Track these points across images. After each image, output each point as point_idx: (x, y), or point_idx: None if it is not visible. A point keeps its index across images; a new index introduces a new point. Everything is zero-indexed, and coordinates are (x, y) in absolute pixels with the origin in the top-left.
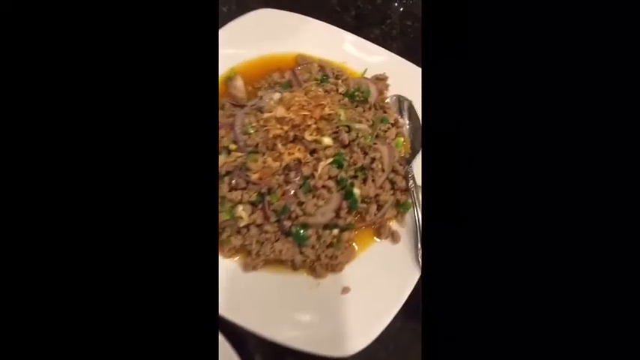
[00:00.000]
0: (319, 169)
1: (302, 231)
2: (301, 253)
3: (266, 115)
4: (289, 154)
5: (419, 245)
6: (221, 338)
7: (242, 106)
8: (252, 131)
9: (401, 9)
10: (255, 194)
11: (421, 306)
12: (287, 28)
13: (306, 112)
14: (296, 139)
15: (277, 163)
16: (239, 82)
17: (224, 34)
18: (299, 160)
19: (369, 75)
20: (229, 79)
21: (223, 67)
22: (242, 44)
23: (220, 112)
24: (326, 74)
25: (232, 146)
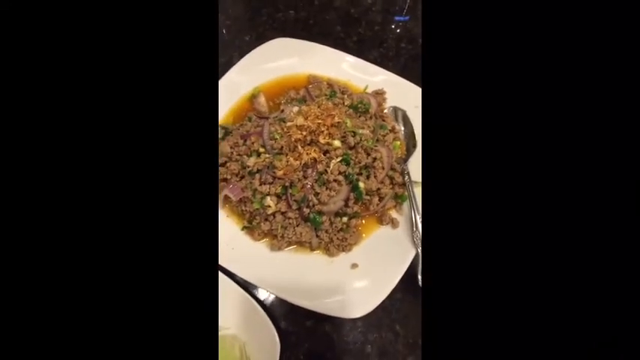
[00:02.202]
0: (331, 166)
1: (318, 217)
2: (317, 236)
3: (289, 123)
4: (307, 154)
5: (414, 229)
6: (255, 303)
7: (266, 118)
8: (277, 137)
9: (397, 30)
10: (280, 187)
11: (420, 275)
12: (300, 53)
13: (319, 121)
14: (312, 143)
15: (298, 162)
16: (262, 99)
17: (248, 59)
18: (315, 159)
19: (369, 90)
20: (254, 96)
21: (248, 87)
22: (263, 67)
23: (249, 124)
24: (334, 90)
25: (261, 149)
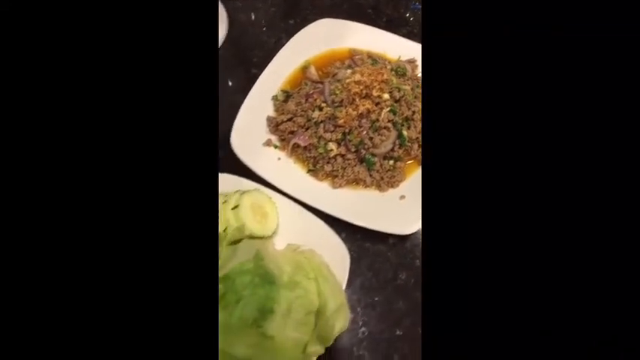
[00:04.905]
0: (382, 115)
1: (371, 158)
2: (370, 175)
3: (348, 80)
4: (362, 105)
5: None
6: (321, 222)
7: (321, 82)
8: (337, 92)
9: (419, 13)
10: (340, 134)
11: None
12: (340, 31)
13: (372, 77)
14: (366, 96)
15: (355, 112)
16: (312, 69)
17: (297, 37)
18: (368, 110)
19: (402, 59)
20: (305, 67)
21: (299, 60)
22: (310, 44)
23: (306, 87)
24: (374, 59)
25: (323, 104)
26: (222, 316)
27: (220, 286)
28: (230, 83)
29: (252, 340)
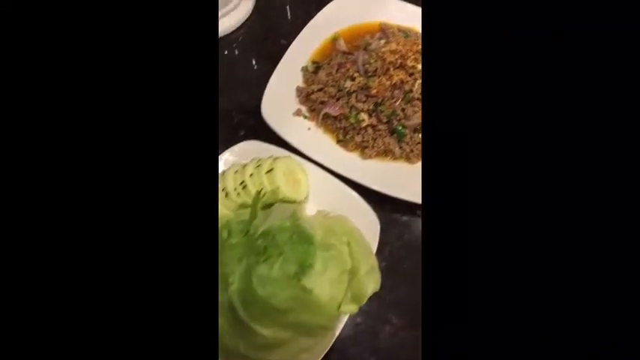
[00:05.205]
0: (415, 86)
1: (403, 129)
2: (400, 147)
3: (383, 49)
4: (396, 75)
5: None
6: (351, 190)
7: (351, 53)
8: (372, 61)
9: None
10: (372, 104)
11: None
12: (371, 4)
13: (407, 47)
14: (401, 66)
15: (388, 82)
16: (342, 41)
17: (327, 10)
18: (402, 80)
19: None
20: (335, 39)
21: (329, 33)
22: (340, 17)
23: (337, 58)
24: (406, 32)
25: (355, 74)
26: (263, 268)
27: (260, 240)
28: (258, 55)
29: (293, 292)
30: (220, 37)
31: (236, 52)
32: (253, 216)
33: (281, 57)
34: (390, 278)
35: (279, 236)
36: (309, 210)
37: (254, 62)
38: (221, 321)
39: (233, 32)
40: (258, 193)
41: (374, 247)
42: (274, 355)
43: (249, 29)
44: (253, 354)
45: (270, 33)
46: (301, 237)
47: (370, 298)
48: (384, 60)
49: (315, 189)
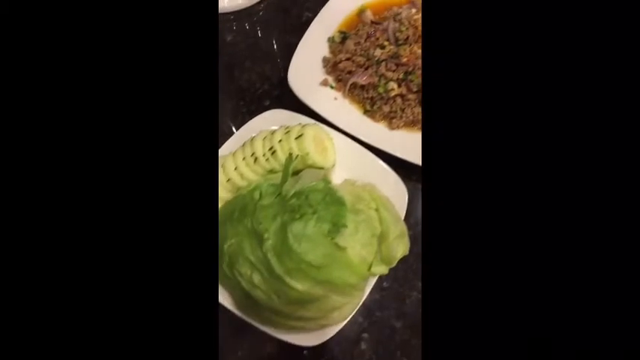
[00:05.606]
0: None
1: None
2: None
3: (415, 16)
4: None
5: None
6: (378, 159)
7: (379, 23)
8: (404, 29)
9: None
10: (402, 73)
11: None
12: None
13: None
14: None
15: (420, 50)
16: (368, 13)
17: None
18: None
19: None
20: (361, 11)
21: (355, 4)
22: None
23: (365, 28)
24: None
25: (385, 43)
26: (298, 226)
27: (294, 200)
28: (281, 28)
29: (326, 249)
30: (243, 9)
31: (258, 25)
32: (285, 178)
33: (305, 30)
34: (416, 246)
35: (312, 196)
36: (336, 179)
37: (277, 35)
38: (256, 277)
39: (256, 4)
40: (290, 155)
41: (402, 215)
42: (308, 311)
43: (273, 1)
44: (288, 309)
45: (294, 6)
46: (333, 198)
47: (397, 264)
48: (415, 28)
49: (342, 158)
